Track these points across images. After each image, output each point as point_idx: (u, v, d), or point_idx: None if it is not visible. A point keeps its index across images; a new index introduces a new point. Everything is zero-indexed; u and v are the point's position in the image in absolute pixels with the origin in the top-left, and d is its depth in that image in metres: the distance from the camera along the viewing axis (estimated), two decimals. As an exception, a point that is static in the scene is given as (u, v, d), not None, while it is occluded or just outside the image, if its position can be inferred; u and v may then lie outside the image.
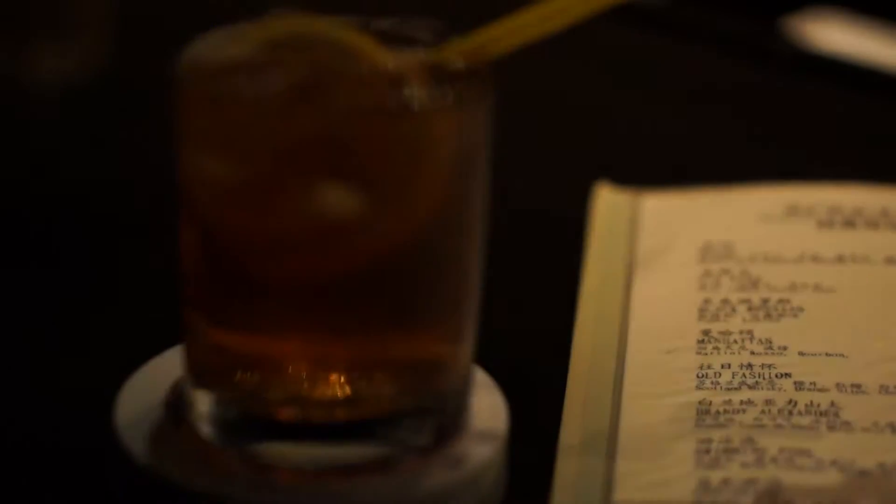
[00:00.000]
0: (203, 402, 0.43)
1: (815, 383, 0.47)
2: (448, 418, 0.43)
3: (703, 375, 0.48)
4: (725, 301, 0.52)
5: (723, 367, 0.48)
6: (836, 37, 0.77)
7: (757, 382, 0.47)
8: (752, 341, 0.49)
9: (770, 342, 0.49)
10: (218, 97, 0.40)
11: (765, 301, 0.51)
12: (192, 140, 0.41)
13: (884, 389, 0.47)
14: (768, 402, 0.46)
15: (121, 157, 0.62)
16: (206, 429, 0.43)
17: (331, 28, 0.42)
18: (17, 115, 0.67)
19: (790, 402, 0.46)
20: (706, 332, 0.50)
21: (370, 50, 0.41)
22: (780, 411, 0.46)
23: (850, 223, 0.56)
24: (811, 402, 0.46)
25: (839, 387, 0.47)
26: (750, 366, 0.48)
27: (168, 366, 0.45)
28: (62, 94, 0.69)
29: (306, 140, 0.39)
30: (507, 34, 0.41)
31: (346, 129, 0.40)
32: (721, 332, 0.50)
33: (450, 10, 0.49)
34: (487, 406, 0.45)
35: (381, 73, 0.41)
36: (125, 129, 0.64)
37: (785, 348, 0.49)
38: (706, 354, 0.49)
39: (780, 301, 0.51)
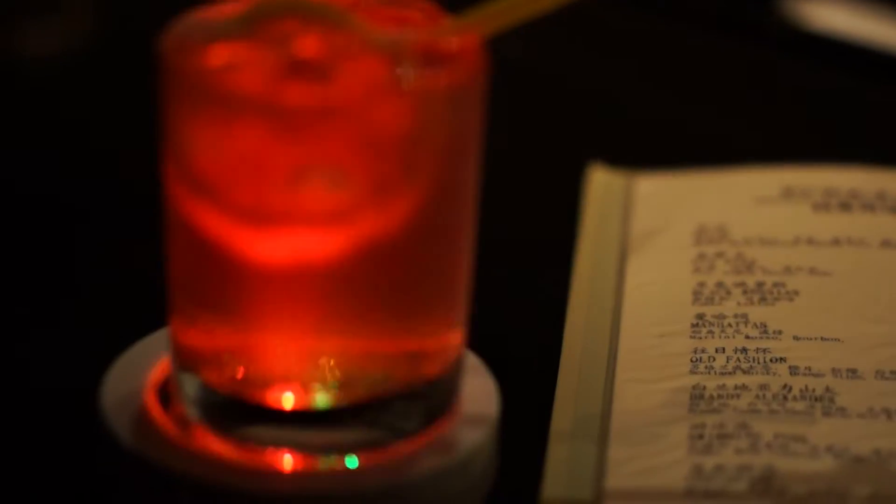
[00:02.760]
0: (190, 386, 0.42)
1: (810, 368, 0.47)
2: (438, 403, 0.43)
3: (697, 360, 0.47)
4: (720, 284, 0.51)
5: (717, 351, 0.48)
6: (832, 16, 0.76)
7: (751, 367, 0.47)
8: (746, 325, 0.49)
9: (765, 326, 0.49)
10: (205, 76, 0.39)
11: (760, 284, 0.51)
12: (179, 120, 0.40)
13: (879, 374, 0.46)
14: (763, 387, 0.46)
15: (106, 136, 0.62)
16: (192, 412, 0.42)
17: (321, 6, 0.41)
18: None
19: (785, 386, 0.46)
20: (700, 316, 0.50)
21: (361, 28, 0.41)
22: (774, 396, 0.45)
23: (845, 206, 0.55)
24: (806, 387, 0.46)
25: (834, 372, 0.46)
26: (744, 350, 0.48)
27: (154, 348, 0.45)
28: (48, 71, 0.69)
29: (297, 120, 0.39)
30: (500, 13, 0.41)
31: (338, 108, 0.39)
32: (715, 316, 0.49)
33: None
34: (479, 390, 0.44)
35: (372, 52, 0.40)
36: (110, 107, 0.64)
37: (780, 332, 0.48)
38: (700, 338, 0.48)
39: (776, 284, 0.51)
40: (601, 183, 0.58)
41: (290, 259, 0.40)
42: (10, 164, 0.60)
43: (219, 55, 0.40)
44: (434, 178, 0.40)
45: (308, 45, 0.40)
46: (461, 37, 0.41)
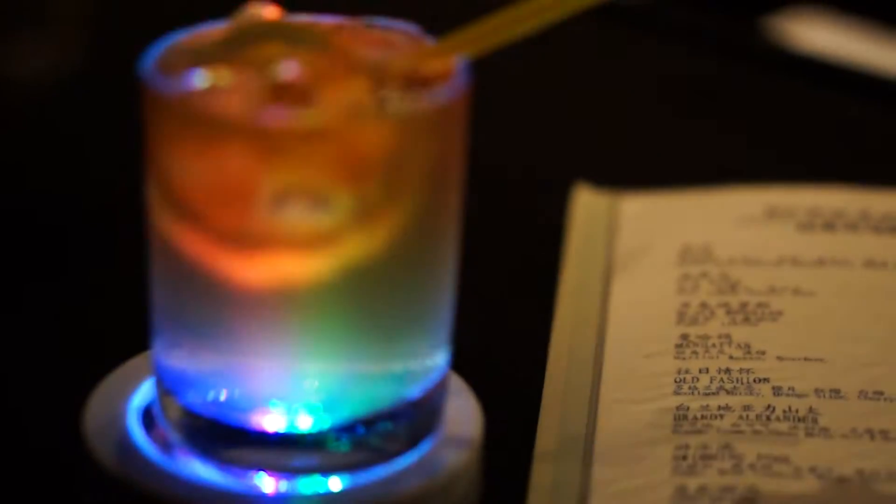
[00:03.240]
0: (173, 409, 0.42)
1: (793, 388, 0.47)
2: (422, 424, 0.43)
3: (680, 380, 0.47)
4: (704, 304, 0.51)
5: (701, 371, 0.48)
6: (817, 36, 0.76)
7: (735, 387, 0.47)
8: (730, 345, 0.49)
9: (748, 346, 0.49)
10: (187, 100, 0.39)
11: (743, 305, 0.51)
12: (160, 141, 0.40)
13: (863, 395, 0.46)
14: (746, 407, 0.46)
15: (91, 160, 0.62)
16: (175, 435, 0.42)
17: (304, 29, 0.41)
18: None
19: (768, 407, 0.46)
20: (684, 337, 0.50)
21: (344, 52, 0.41)
22: (757, 417, 0.45)
23: (829, 226, 0.56)
24: (789, 407, 0.46)
25: (818, 392, 0.46)
26: (728, 370, 0.48)
27: (137, 372, 0.45)
28: (34, 91, 0.69)
29: (279, 144, 0.39)
30: (483, 35, 0.41)
31: (320, 132, 0.39)
32: (699, 336, 0.50)
33: (425, 11, 0.48)
34: (462, 411, 0.44)
35: (355, 75, 0.40)
36: (94, 132, 0.64)
37: (763, 353, 0.48)
38: (684, 359, 0.48)
39: (759, 305, 0.51)
40: (586, 203, 0.58)
41: (273, 282, 0.40)
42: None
43: (201, 79, 0.40)
44: (417, 200, 0.40)
45: (291, 68, 0.40)
46: (444, 60, 0.41)
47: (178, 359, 0.42)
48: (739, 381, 0.47)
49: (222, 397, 0.41)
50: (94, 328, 0.50)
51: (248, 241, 0.39)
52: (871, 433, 0.45)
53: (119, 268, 0.53)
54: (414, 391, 0.42)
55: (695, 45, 0.73)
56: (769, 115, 0.68)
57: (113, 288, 0.52)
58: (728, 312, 0.51)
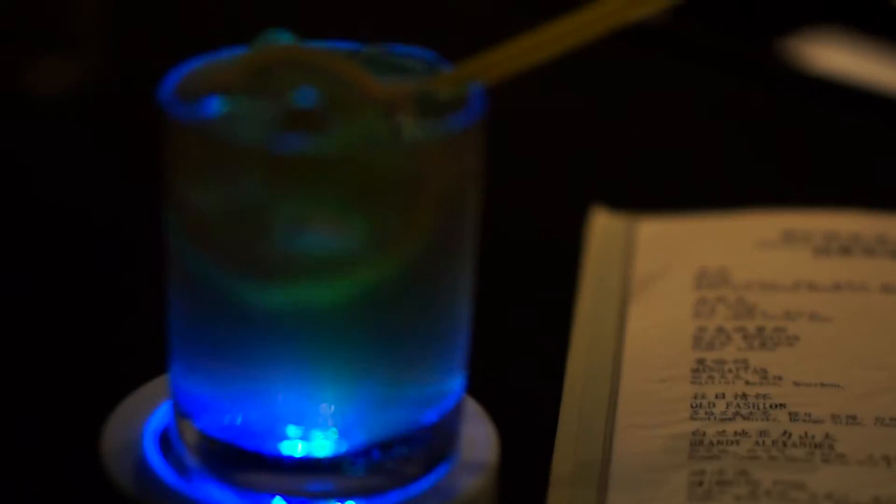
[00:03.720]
0: (189, 433, 0.42)
1: (809, 414, 0.47)
2: (438, 449, 0.43)
3: (696, 405, 0.47)
4: (720, 329, 0.51)
5: (717, 396, 0.48)
6: (835, 58, 0.76)
7: (751, 413, 0.47)
8: (746, 370, 0.49)
9: (765, 371, 0.49)
10: (204, 127, 0.40)
11: (760, 329, 0.51)
12: (179, 169, 0.40)
13: (879, 421, 0.46)
14: (762, 433, 0.46)
15: (111, 182, 0.62)
16: (192, 459, 0.42)
17: (320, 56, 0.41)
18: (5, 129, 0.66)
19: (784, 433, 0.46)
20: (701, 361, 0.50)
21: (360, 79, 0.41)
22: (774, 443, 0.45)
23: (846, 250, 0.55)
24: (806, 433, 0.46)
25: (834, 418, 0.46)
26: (744, 396, 0.48)
27: (154, 395, 0.45)
28: (52, 110, 0.69)
29: (295, 171, 0.39)
30: (499, 62, 0.41)
31: (336, 159, 0.39)
32: (715, 361, 0.49)
33: (441, 38, 0.48)
34: (478, 436, 0.44)
35: (371, 102, 0.40)
36: (113, 151, 0.64)
37: (780, 378, 0.48)
38: (700, 384, 0.48)
39: (776, 329, 0.51)
40: (603, 226, 0.58)
41: (290, 307, 0.40)
42: (12, 201, 0.60)
43: (219, 105, 0.40)
44: (433, 226, 0.40)
45: (307, 95, 0.40)
46: (460, 86, 0.41)
47: (195, 383, 0.42)
48: (756, 407, 0.47)
49: (239, 422, 0.41)
50: (112, 351, 0.50)
51: (264, 267, 0.40)
52: (887, 460, 0.45)
53: (137, 291, 0.53)
54: (430, 416, 0.42)
55: (712, 67, 0.73)
56: (786, 138, 0.68)
57: (131, 311, 0.52)
58: (744, 337, 0.51)
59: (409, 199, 0.40)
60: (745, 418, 0.46)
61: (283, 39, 0.41)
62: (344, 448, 0.41)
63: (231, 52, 0.41)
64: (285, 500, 0.41)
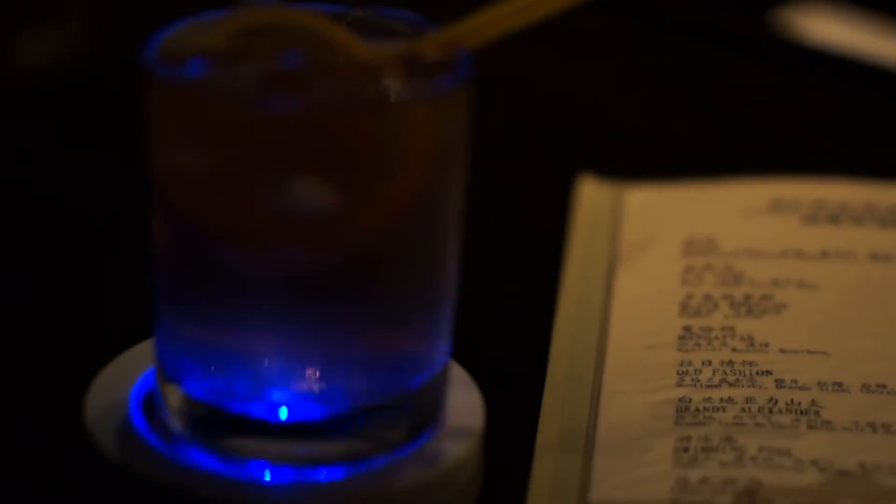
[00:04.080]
0: (174, 397, 0.42)
1: (796, 381, 0.47)
2: (423, 415, 0.43)
3: (683, 372, 0.47)
4: (707, 297, 0.51)
5: (703, 364, 0.48)
6: (826, 29, 0.76)
7: (737, 380, 0.47)
8: (733, 338, 0.49)
9: (752, 339, 0.49)
10: (189, 88, 0.39)
11: (747, 297, 0.51)
12: (163, 131, 0.40)
13: (866, 388, 0.46)
14: (749, 400, 0.46)
15: (94, 148, 0.62)
16: (176, 424, 0.42)
17: (306, 18, 0.41)
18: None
19: (771, 400, 0.46)
20: (687, 329, 0.49)
21: (346, 40, 0.41)
22: (760, 409, 0.45)
23: (834, 218, 0.55)
24: (792, 400, 0.46)
25: (820, 385, 0.46)
26: (731, 363, 0.48)
27: (138, 360, 0.44)
28: (37, 83, 0.69)
29: (280, 132, 0.39)
30: (485, 25, 0.41)
31: (321, 120, 0.39)
32: (702, 329, 0.49)
33: (427, 0, 0.48)
34: (464, 403, 0.44)
35: (356, 64, 0.40)
36: (98, 120, 0.64)
37: (766, 345, 0.48)
38: (687, 351, 0.48)
39: (763, 297, 0.51)
40: (590, 195, 0.58)
41: (274, 270, 0.40)
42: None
43: (202, 67, 0.40)
44: (418, 189, 0.40)
45: (292, 57, 0.40)
46: (446, 49, 0.41)
47: (180, 347, 0.42)
48: (742, 374, 0.47)
49: (223, 386, 0.41)
50: (96, 316, 0.50)
51: (248, 228, 0.39)
52: (873, 426, 0.45)
53: (121, 255, 0.53)
54: (415, 381, 0.42)
55: (702, 37, 0.73)
56: (774, 107, 0.68)
57: (114, 275, 0.52)
58: (731, 305, 0.51)
59: (395, 161, 0.40)
60: (731, 385, 0.46)
61: (268, 1, 0.41)
62: (329, 413, 0.41)
63: (216, 13, 0.41)
64: (269, 464, 0.41)
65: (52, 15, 0.73)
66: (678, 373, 0.47)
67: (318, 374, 0.41)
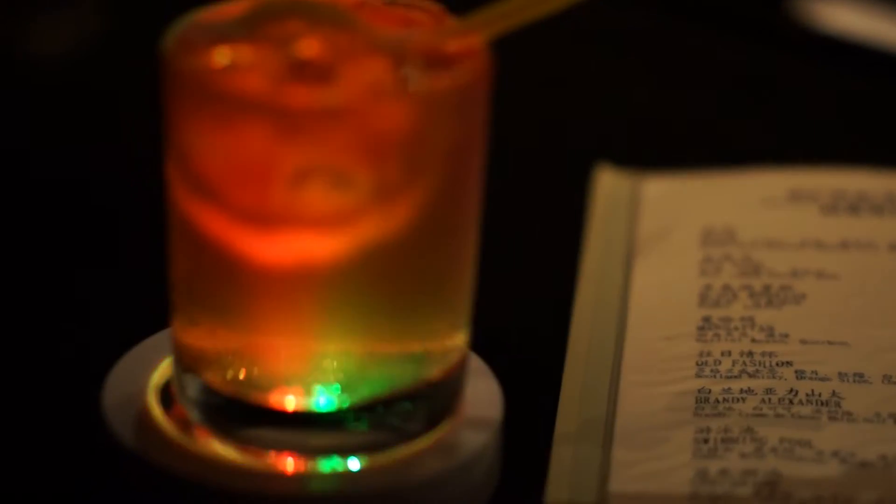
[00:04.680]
0: (192, 387, 0.42)
1: (816, 372, 0.46)
2: (441, 405, 0.43)
3: (702, 363, 0.47)
4: (726, 287, 0.51)
5: (723, 354, 0.47)
6: (843, 17, 0.76)
7: (757, 371, 0.46)
8: (753, 328, 0.49)
9: (771, 329, 0.48)
10: (209, 77, 0.39)
11: (766, 287, 0.51)
12: (181, 119, 0.40)
13: (887, 379, 0.46)
14: (769, 390, 0.45)
15: (114, 136, 0.62)
16: (194, 414, 0.42)
17: (325, 6, 0.41)
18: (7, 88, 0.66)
19: (791, 391, 0.45)
20: (706, 319, 0.49)
21: (366, 29, 0.40)
22: (780, 400, 0.45)
23: (854, 208, 0.55)
24: (812, 391, 0.45)
25: (841, 376, 0.46)
26: (750, 353, 0.47)
27: (156, 350, 0.44)
28: (57, 69, 0.68)
29: (301, 122, 0.39)
30: (505, 15, 0.40)
31: (342, 110, 0.39)
32: (722, 319, 0.49)
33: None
34: (482, 393, 0.44)
35: (376, 53, 0.40)
36: (118, 109, 0.64)
37: (786, 336, 0.48)
38: (706, 341, 0.48)
39: (783, 287, 0.51)
40: (608, 184, 0.58)
41: (293, 261, 0.40)
42: (14, 160, 0.60)
43: (222, 56, 0.40)
44: (438, 179, 0.40)
45: (311, 46, 0.39)
46: (466, 38, 0.41)
47: (198, 337, 0.42)
48: (762, 365, 0.47)
49: (241, 376, 0.41)
50: (114, 306, 0.50)
51: (267, 219, 0.39)
52: (894, 418, 0.44)
53: (140, 245, 0.53)
54: (433, 371, 0.42)
55: (721, 26, 0.73)
56: (794, 96, 0.68)
57: (133, 265, 0.52)
58: (751, 295, 0.50)
59: (414, 151, 0.39)
60: (751, 376, 0.46)
61: (287, -11, 0.41)
62: (347, 403, 0.41)
63: (234, 1, 0.41)
64: (287, 454, 0.41)
65: (67, 2, 0.73)
66: (697, 363, 0.47)
67: (336, 364, 0.41)
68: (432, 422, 0.42)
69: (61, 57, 0.69)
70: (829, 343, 0.48)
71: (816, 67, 0.70)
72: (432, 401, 0.42)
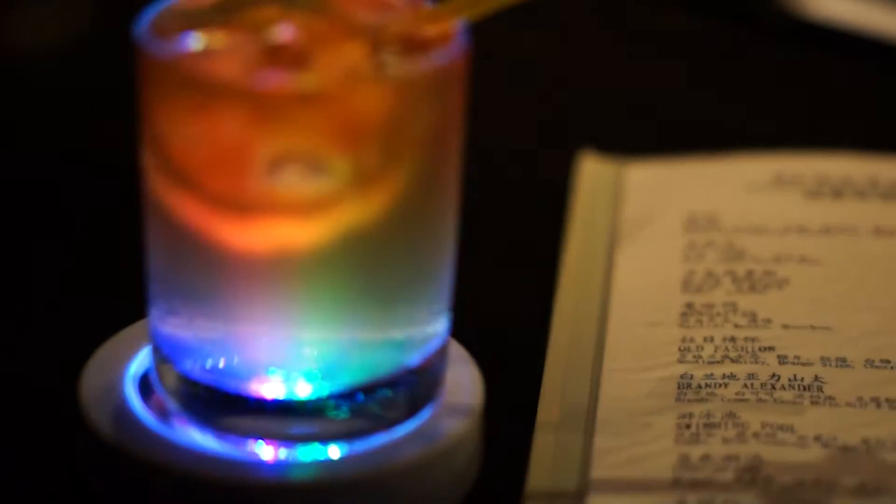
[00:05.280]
0: (170, 377, 0.42)
1: (799, 357, 0.46)
2: (422, 392, 0.42)
3: (685, 349, 0.47)
4: (709, 273, 0.51)
5: (705, 340, 0.47)
6: (829, 3, 0.75)
7: (740, 356, 0.46)
8: (735, 314, 0.48)
9: (754, 315, 0.48)
10: (183, 63, 0.39)
11: (749, 273, 0.51)
12: (156, 105, 0.40)
13: (869, 363, 0.46)
14: (751, 375, 0.45)
15: (91, 125, 0.61)
16: (173, 403, 0.42)
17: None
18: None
19: (773, 375, 0.45)
20: (689, 305, 0.49)
21: (342, 14, 0.40)
22: (762, 385, 0.45)
23: (837, 193, 0.55)
24: (795, 375, 0.45)
25: (823, 360, 0.46)
26: (733, 339, 0.47)
27: (134, 340, 0.44)
28: (36, 57, 0.68)
29: (276, 107, 0.38)
30: (481, -1, 0.40)
31: (318, 95, 0.38)
32: (704, 305, 0.49)
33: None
34: (463, 380, 0.44)
35: (352, 38, 0.40)
36: (94, 97, 0.63)
37: (769, 321, 0.48)
38: (689, 327, 0.48)
39: (765, 273, 0.50)
40: (591, 170, 0.57)
41: (271, 248, 0.40)
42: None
43: (196, 41, 0.39)
44: (416, 165, 0.40)
45: (287, 31, 0.39)
46: (443, 23, 0.40)
47: (176, 326, 0.41)
48: (744, 350, 0.47)
49: (220, 365, 0.41)
50: (91, 296, 0.50)
51: (244, 206, 0.39)
52: (877, 402, 0.44)
53: (116, 234, 0.52)
54: (414, 358, 0.42)
55: (704, 11, 0.73)
56: (777, 82, 0.68)
57: (110, 255, 0.52)
58: (734, 281, 0.50)
59: (392, 136, 0.39)
60: (733, 361, 0.46)
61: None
62: (327, 391, 0.41)
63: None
64: (267, 443, 0.41)
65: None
66: (680, 349, 0.47)
67: (315, 351, 0.41)
68: (413, 409, 0.42)
69: (40, 46, 0.69)
70: (812, 328, 0.48)
71: (801, 53, 0.69)
72: (413, 388, 0.42)
